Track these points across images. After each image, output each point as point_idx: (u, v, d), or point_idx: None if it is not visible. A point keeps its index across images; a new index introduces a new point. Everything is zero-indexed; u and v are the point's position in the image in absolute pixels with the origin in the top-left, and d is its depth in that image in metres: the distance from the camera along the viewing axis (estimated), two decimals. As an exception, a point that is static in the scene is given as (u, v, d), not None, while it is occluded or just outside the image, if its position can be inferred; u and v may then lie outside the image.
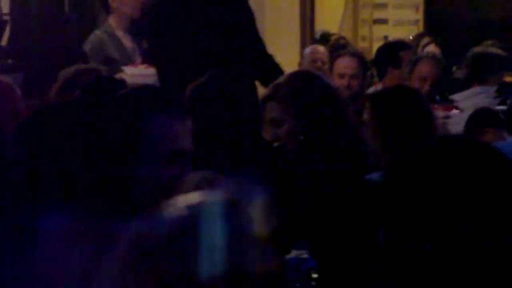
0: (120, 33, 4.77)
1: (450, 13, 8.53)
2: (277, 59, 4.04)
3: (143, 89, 2.06)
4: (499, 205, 1.28)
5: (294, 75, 3.42)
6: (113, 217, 1.67)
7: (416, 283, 1.29)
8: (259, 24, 4.04)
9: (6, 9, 5.19)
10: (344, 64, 4.88)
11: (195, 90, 2.79)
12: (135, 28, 4.74)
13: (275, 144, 2.96)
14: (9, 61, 4.77)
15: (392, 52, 4.98)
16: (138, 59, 4.63)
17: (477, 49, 5.36)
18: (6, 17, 5.14)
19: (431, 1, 8.45)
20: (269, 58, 3.96)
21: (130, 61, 4.57)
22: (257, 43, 3.92)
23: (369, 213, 2.27)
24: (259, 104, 2.85)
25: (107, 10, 4.83)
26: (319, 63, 5.46)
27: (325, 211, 2.57)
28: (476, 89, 4.80)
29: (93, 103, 1.83)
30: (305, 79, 3.29)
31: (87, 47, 4.68)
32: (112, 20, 4.81)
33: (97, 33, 4.76)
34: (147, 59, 4.31)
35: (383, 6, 8.46)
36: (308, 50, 5.70)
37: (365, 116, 2.99)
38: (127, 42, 4.77)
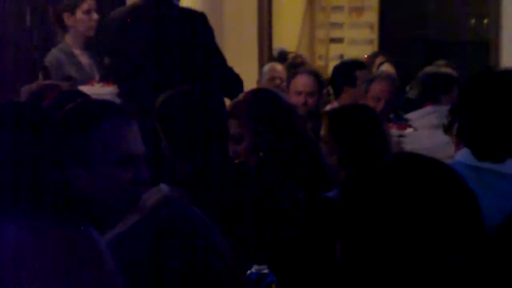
0: (77, 51, 4.75)
1: (404, 33, 8.64)
2: (236, 76, 4.06)
3: (87, 101, 2.07)
4: (452, 222, 1.29)
5: (252, 92, 3.43)
6: (70, 223, 1.67)
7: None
8: (218, 43, 4.07)
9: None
10: (301, 82, 4.91)
11: (162, 105, 2.78)
12: (94, 45, 4.73)
13: (236, 161, 2.97)
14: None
15: (348, 71, 5.01)
16: (96, 76, 4.62)
17: (429, 69, 5.42)
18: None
19: (386, 21, 8.57)
20: (230, 71, 4.00)
21: (88, 78, 4.55)
22: (218, 57, 3.95)
23: (327, 228, 2.28)
24: (226, 119, 2.86)
25: (63, 28, 4.83)
26: (277, 81, 5.47)
27: (284, 227, 2.58)
28: (429, 108, 4.84)
29: (40, 111, 1.83)
30: (263, 96, 3.30)
31: (44, 66, 4.66)
32: (68, 38, 4.79)
33: (54, 52, 4.73)
34: (107, 76, 4.30)
35: (339, 25, 8.55)
36: (266, 68, 5.72)
37: (323, 132, 3.02)
38: (84, 59, 4.75)
